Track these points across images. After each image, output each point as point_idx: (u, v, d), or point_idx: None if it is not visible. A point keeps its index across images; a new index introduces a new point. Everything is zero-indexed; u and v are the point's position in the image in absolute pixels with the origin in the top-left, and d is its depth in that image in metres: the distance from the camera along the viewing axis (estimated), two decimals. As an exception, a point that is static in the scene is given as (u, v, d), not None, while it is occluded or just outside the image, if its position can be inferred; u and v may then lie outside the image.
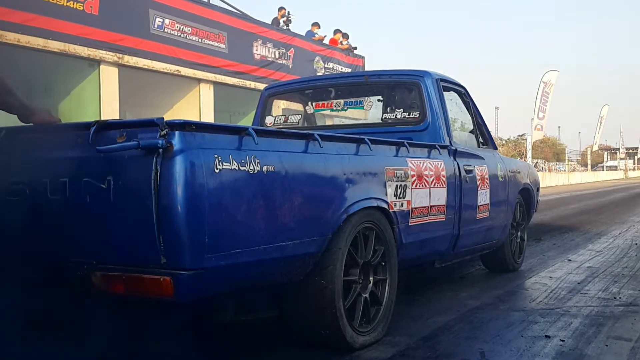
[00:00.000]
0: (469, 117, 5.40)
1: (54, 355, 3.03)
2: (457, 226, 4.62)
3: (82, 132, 2.63)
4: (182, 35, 13.75)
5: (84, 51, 11.94)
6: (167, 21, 13.40)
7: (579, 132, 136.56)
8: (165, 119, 2.47)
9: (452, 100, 5.18)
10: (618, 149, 73.13)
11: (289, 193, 2.92)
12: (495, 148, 5.76)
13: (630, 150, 78.56)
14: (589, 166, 57.11)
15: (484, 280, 5.85)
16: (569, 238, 9.05)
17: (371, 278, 3.65)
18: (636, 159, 79.42)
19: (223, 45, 14.87)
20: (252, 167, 2.70)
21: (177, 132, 2.45)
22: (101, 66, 12.41)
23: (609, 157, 74.23)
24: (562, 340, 3.68)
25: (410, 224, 3.98)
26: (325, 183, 3.20)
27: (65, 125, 2.90)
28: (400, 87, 4.98)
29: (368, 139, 3.61)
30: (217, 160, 2.53)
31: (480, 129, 5.47)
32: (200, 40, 14.20)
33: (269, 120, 5.41)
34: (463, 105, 5.37)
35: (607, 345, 3.58)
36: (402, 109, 4.85)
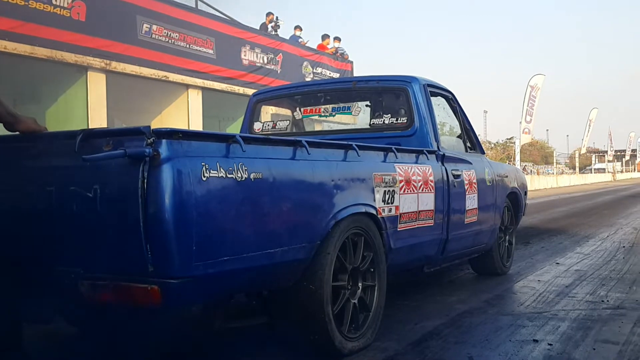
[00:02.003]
0: (457, 122, 5.43)
1: None
2: (445, 231, 4.64)
3: (68, 141, 2.62)
4: (169, 41, 13.74)
5: (71, 57, 11.90)
6: (154, 27, 13.37)
7: (567, 135, 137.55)
8: (152, 127, 2.46)
9: (439, 105, 5.20)
10: (606, 152, 73.62)
11: (276, 200, 2.92)
12: (483, 153, 5.79)
13: (618, 153, 79.12)
14: (577, 169, 57.46)
15: (472, 284, 5.87)
16: (557, 241, 9.10)
17: (360, 284, 3.66)
18: (624, 162, 79.99)
19: (211, 51, 14.86)
20: (239, 175, 2.70)
21: (163, 141, 2.45)
22: (88, 72, 12.36)
23: (597, 159, 74.69)
24: (550, 345, 3.69)
25: (398, 229, 3.99)
26: (313, 189, 3.21)
27: (51, 134, 2.89)
28: (388, 92, 5.00)
29: (356, 145, 3.63)
30: (204, 168, 2.53)
31: (467, 133, 5.50)
32: (188, 45, 14.19)
33: (257, 126, 5.41)
34: (450, 110, 5.40)
35: (594, 349, 3.60)
36: (389, 115, 4.87)
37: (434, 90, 5.07)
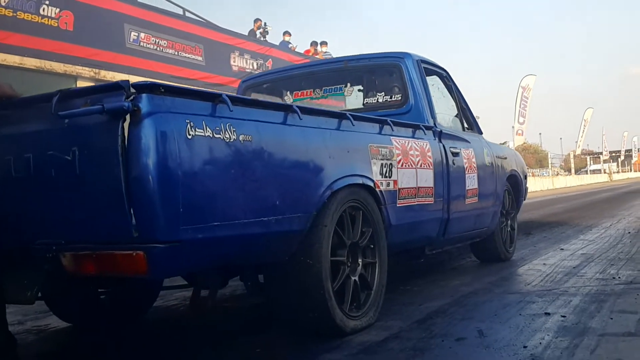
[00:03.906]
0: (452, 101, 5.28)
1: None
2: (446, 210, 4.48)
3: (45, 104, 2.46)
4: (158, 49, 13.60)
5: (60, 67, 11.77)
6: (142, 35, 13.25)
7: (560, 138, 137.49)
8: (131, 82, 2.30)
9: (434, 85, 5.05)
10: (601, 153, 73.63)
11: (268, 165, 2.76)
12: (481, 133, 5.63)
13: (614, 154, 79.13)
14: (573, 170, 57.38)
15: (475, 269, 5.70)
16: (560, 231, 8.95)
17: (360, 260, 3.49)
18: (619, 162, 79.99)
19: (200, 58, 14.73)
20: (227, 136, 2.54)
21: (144, 95, 2.29)
22: (78, 82, 12.21)
23: (592, 161, 74.63)
24: (564, 317, 3.52)
25: (398, 205, 3.83)
26: (306, 157, 3.05)
27: (27, 98, 2.71)
28: (380, 70, 4.85)
29: (350, 114, 3.47)
30: (189, 125, 2.37)
31: (464, 112, 5.35)
32: (176, 53, 14.06)
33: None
34: (445, 89, 5.25)
35: (612, 319, 3.42)
36: (383, 93, 4.72)
37: (428, 67, 4.93)
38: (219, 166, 2.50)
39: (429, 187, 4.20)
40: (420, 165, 4.09)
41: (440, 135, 4.53)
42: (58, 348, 3.61)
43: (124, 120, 2.27)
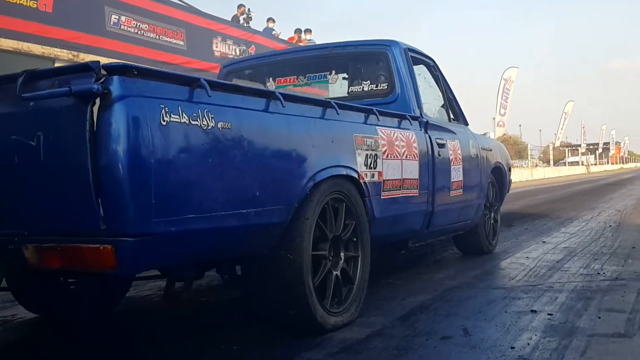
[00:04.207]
0: (439, 91, 5.15)
1: None
2: (431, 203, 4.36)
3: (9, 85, 2.29)
4: (139, 33, 13.31)
5: (38, 49, 11.47)
6: (123, 18, 12.96)
7: (540, 130, 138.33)
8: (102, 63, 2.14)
9: (420, 74, 4.92)
10: (579, 145, 74.20)
11: (248, 154, 2.62)
12: (467, 124, 5.52)
13: (591, 146, 79.82)
14: (552, 162, 57.74)
15: (459, 262, 5.60)
16: (541, 223, 8.90)
17: (342, 254, 3.36)
18: (597, 155, 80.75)
19: (182, 42, 14.46)
20: (205, 123, 2.38)
21: (115, 77, 2.13)
22: (56, 64, 11.93)
23: (570, 153, 75.22)
24: (550, 314, 3.43)
25: (382, 197, 3.70)
26: (289, 146, 2.91)
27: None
28: (366, 57, 4.71)
29: (334, 102, 3.33)
30: (164, 111, 2.21)
31: (450, 103, 5.23)
32: (157, 37, 13.77)
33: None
34: (432, 79, 5.12)
35: (599, 317, 3.33)
36: (369, 81, 4.58)
37: (415, 56, 4.80)
38: (195, 155, 2.34)
39: (414, 179, 4.08)
40: (406, 157, 3.97)
41: (426, 125, 4.41)
42: (24, 340, 3.45)
43: (93, 103, 2.11)
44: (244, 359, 2.84)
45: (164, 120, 2.20)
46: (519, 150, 70.84)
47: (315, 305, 3.05)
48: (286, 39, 18.83)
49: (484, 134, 6.60)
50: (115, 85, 2.11)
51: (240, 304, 3.12)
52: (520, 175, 37.26)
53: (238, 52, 16.17)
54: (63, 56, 11.96)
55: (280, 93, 2.87)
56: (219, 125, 2.45)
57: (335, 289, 3.28)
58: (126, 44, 13.09)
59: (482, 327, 3.23)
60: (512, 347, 2.86)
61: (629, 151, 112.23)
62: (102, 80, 2.11)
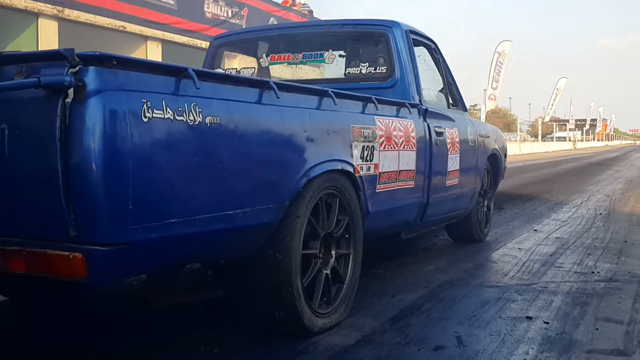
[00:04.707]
0: (439, 75, 4.93)
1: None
2: (426, 193, 4.18)
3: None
4: (128, -10, 12.92)
5: (21, 3, 11.07)
6: (112, -27, 12.54)
7: (529, 104, 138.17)
8: (77, 51, 1.90)
9: (420, 56, 4.69)
10: (567, 121, 74.31)
11: (237, 152, 2.40)
12: (466, 110, 5.32)
13: (579, 122, 79.99)
14: (540, 137, 57.83)
15: (449, 252, 5.45)
16: (531, 207, 8.79)
17: (333, 252, 3.18)
18: (584, 131, 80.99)
19: (172, 2, 14.05)
20: (192, 118, 2.16)
21: (91, 68, 1.89)
22: (39, 19, 11.54)
23: (558, 128, 75.37)
24: (546, 323, 3.28)
25: (377, 191, 3.51)
26: (282, 141, 2.69)
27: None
28: (366, 38, 4.46)
29: (332, 91, 3.10)
30: (145, 106, 1.99)
31: (450, 88, 5.01)
32: (148, -5, 13.38)
33: (218, 74, 4.82)
34: (433, 62, 4.89)
35: (597, 329, 3.19)
36: (367, 63, 4.34)
37: (416, 38, 4.56)
38: (179, 154, 2.13)
39: (411, 170, 3.88)
40: (403, 147, 3.76)
41: (425, 113, 4.19)
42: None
43: (66, 96, 1.88)
44: (224, 365, 2.67)
45: (145, 117, 1.98)
46: (508, 123, 70.87)
47: (303, 308, 2.87)
48: (280, 1, 18.41)
49: (473, 106, 6.41)
50: (91, 77, 1.88)
51: (223, 304, 2.92)
52: (509, 150, 37.18)
53: (230, 14, 15.80)
54: (47, 11, 11.57)
55: (274, 83, 2.64)
56: (207, 120, 2.22)
57: (325, 289, 3.10)
58: (114, 1, 12.68)
59: (477, 335, 3.07)
60: (509, 364, 2.71)
61: (614, 128, 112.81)
62: (77, 70, 1.88)
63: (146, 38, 13.66)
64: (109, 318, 3.22)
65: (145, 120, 1.98)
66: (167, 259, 2.22)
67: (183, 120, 2.12)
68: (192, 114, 2.16)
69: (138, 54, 13.69)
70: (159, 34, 13.79)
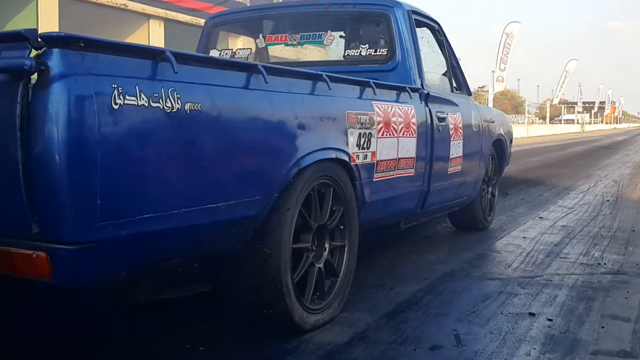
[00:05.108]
0: (442, 58, 4.74)
1: None
2: (427, 182, 4.02)
3: None
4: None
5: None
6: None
7: (538, 86, 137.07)
8: (40, 32, 1.74)
9: (423, 38, 4.50)
10: (576, 103, 73.77)
11: (221, 140, 2.24)
12: (470, 94, 5.14)
13: (587, 104, 79.42)
14: (548, 119, 57.40)
15: (451, 240, 5.30)
16: (537, 193, 8.62)
17: (327, 245, 3.03)
18: (592, 113, 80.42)
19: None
20: (169, 104, 2.00)
21: (56, 51, 1.73)
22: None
23: (566, 110, 74.88)
24: (550, 320, 3.13)
25: (374, 180, 3.35)
26: (271, 129, 2.52)
27: None
28: (366, 18, 4.28)
29: (327, 75, 2.93)
30: (116, 92, 1.83)
31: (454, 71, 4.82)
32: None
33: (213, 54, 4.65)
34: (436, 44, 4.70)
35: (603, 327, 3.04)
36: (367, 45, 4.16)
37: (419, 19, 4.37)
38: (155, 144, 1.97)
39: (410, 158, 3.71)
40: (403, 134, 3.60)
41: (427, 98, 4.02)
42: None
43: (28, 81, 1.72)
44: (209, 364, 2.54)
45: (115, 103, 1.82)
46: (516, 106, 70.43)
47: (294, 305, 2.73)
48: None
49: (481, 87, 6.22)
50: (55, 61, 1.72)
51: (208, 298, 2.78)
52: (516, 132, 36.81)
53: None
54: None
55: (263, 66, 2.47)
56: (187, 107, 2.06)
57: (317, 283, 2.96)
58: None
59: (476, 333, 2.93)
60: (509, 366, 2.57)
61: (623, 111, 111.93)
62: (39, 53, 1.72)
63: (148, 17, 13.45)
64: (84, 314, 3.08)
65: (116, 107, 1.82)
66: (142, 257, 2.07)
67: (159, 107, 1.96)
68: (170, 100, 2.00)
69: (140, 33, 13.51)
70: (161, 12, 13.58)
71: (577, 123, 63.66)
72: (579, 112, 72.73)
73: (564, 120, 68.18)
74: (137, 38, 13.52)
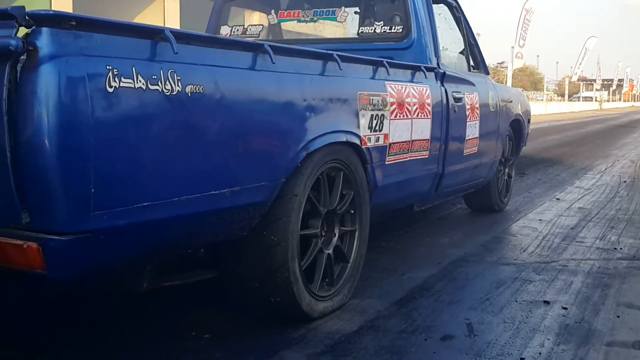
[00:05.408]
0: (460, 36, 4.59)
1: None
2: (441, 164, 3.90)
3: None
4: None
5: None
6: None
7: (557, 62, 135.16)
8: (27, 9, 1.64)
9: (440, 15, 4.35)
10: (594, 80, 72.70)
11: (224, 124, 2.14)
12: (487, 73, 4.99)
13: (606, 82, 78.26)
14: (566, 96, 56.68)
15: (466, 222, 5.19)
16: (554, 173, 8.46)
17: (336, 230, 2.93)
18: (611, 91, 79.27)
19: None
20: (168, 87, 1.90)
21: (45, 30, 1.63)
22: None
23: (584, 88, 73.87)
24: (565, 308, 3.03)
25: (386, 163, 3.24)
26: (278, 111, 2.41)
27: None
28: (380, -7, 4.13)
29: (337, 54, 2.81)
30: (111, 74, 1.73)
31: (471, 49, 4.67)
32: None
33: (224, 31, 4.54)
34: (453, 21, 4.55)
35: (618, 317, 2.93)
36: (382, 22, 4.02)
37: (436, -6, 4.21)
38: (153, 129, 1.87)
39: (425, 140, 3.60)
40: (417, 115, 3.48)
41: (442, 77, 3.89)
42: None
43: (15, 63, 1.63)
44: (212, 352, 2.46)
45: (110, 86, 1.72)
46: (535, 82, 69.58)
47: (301, 292, 2.65)
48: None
49: (500, 63, 6.06)
50: (45, 41, 1.62)
51: (214, 284, 2.70)
52: (534, 109, 36.40)
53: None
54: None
55: (269, 45, 2.36)
56: (188, 89, 1.96)
57: (326, 270, 2.87)
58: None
59: (489, 322, 2.83)
60: (522, 358, 2.47)
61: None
62: (27, 33, 1.62)
63: (163, -9, 13.30)
64: (86, 301, 3.01)
65: (111, 90, 1.72)
66: (141, 247, 1.98)
67: (158, 89, 1.86)
68: (170, 82, 1.90)
69: (153, 9, 13.36)
70: (176, -13, 13.42)
71: (596, 100, 62.77)
72: (597, 90, 71.67)
73: (583, 97, 67.31)
74: (151, 13, 13.38)
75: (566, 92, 56.34)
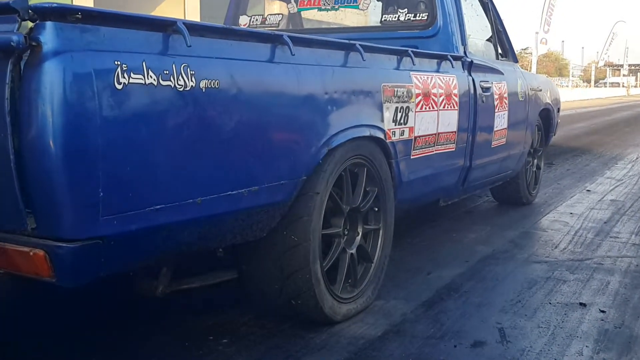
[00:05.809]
0: (487, 22, 4.42)
1: None
2: (468, 157, 3.75)
3: None
4: None
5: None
6: None
7: (582, 47, 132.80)
8: (31, 3, 1.53)
9: (467, 0, 4.18)
10: (622, 66, 71.44)
11: (241, 121, 2.02)
12: (516, 61, 4.81)
13: (633, 67, 76.87)
14: (592, 82, 55.80)
15: (494, 216, 5.03)
16: (583, 163, 8.24)
17: (360, 229, 2.81)
18: (638, 76, 77.87)
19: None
20: (182, 82, 1.78)
21: (49, 24, 1.52)
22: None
23: (611, 73, 72.67)
24: (603, 312, 2.88)
25: (412, 157, 3.10)
26: (298, 106, 2.29)
27: None
28: (405, -20, 3.98)
29: (360, 44, 2.67)
30: (120, 69, 1.61)
31: (499, 37, 4.50)
32: None
33: (243, 20, 4.42)
34: (480, 7, 4.38)
35: (662, 322, 2.78)
36: (406, 10, 3.87)
37: (463, -20, 4.04)
38: (165, 127, 1.76)
39: (451, 132, 3.45)
40: (444, 107, 3.33)
41: (470, 66, 3.73)
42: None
43: (18, 59, 1.52)
44: (230, 358, 2.36)
45: (119, 83, 1.61)
46: (560, 68, 68.60)
47: (324, 295, 2.53)
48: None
49: (524, 49, 5.86)
50: (49, 36, 1.51)
51: (233, 285, 2.59)
52: (560, 96, 35.84)
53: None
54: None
55: (289, 37, 2.23)
56: (202, 84, 1.84)
57: (350, 270, 2.75)
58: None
59: (522, 327, 2.69)
60: (560, 367, 2.34)
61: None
62: (31, 27, 1.51)
63: (183, -19, 13.20)
64: (99, 304, 2.92)
65: (120, 86, 1.61)
66: (154, 253, 1.88)
67: (170, 85, 1.75)
68: (183, 77, 1.78)
69: (173, 1, 13.25)
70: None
71: (623, 86, 61.70)
72: (624, 75, 70.44)
73: (609, 83, 66.21)
74: (171, 3, 13.29)
75: (592, 77, 55.41)
